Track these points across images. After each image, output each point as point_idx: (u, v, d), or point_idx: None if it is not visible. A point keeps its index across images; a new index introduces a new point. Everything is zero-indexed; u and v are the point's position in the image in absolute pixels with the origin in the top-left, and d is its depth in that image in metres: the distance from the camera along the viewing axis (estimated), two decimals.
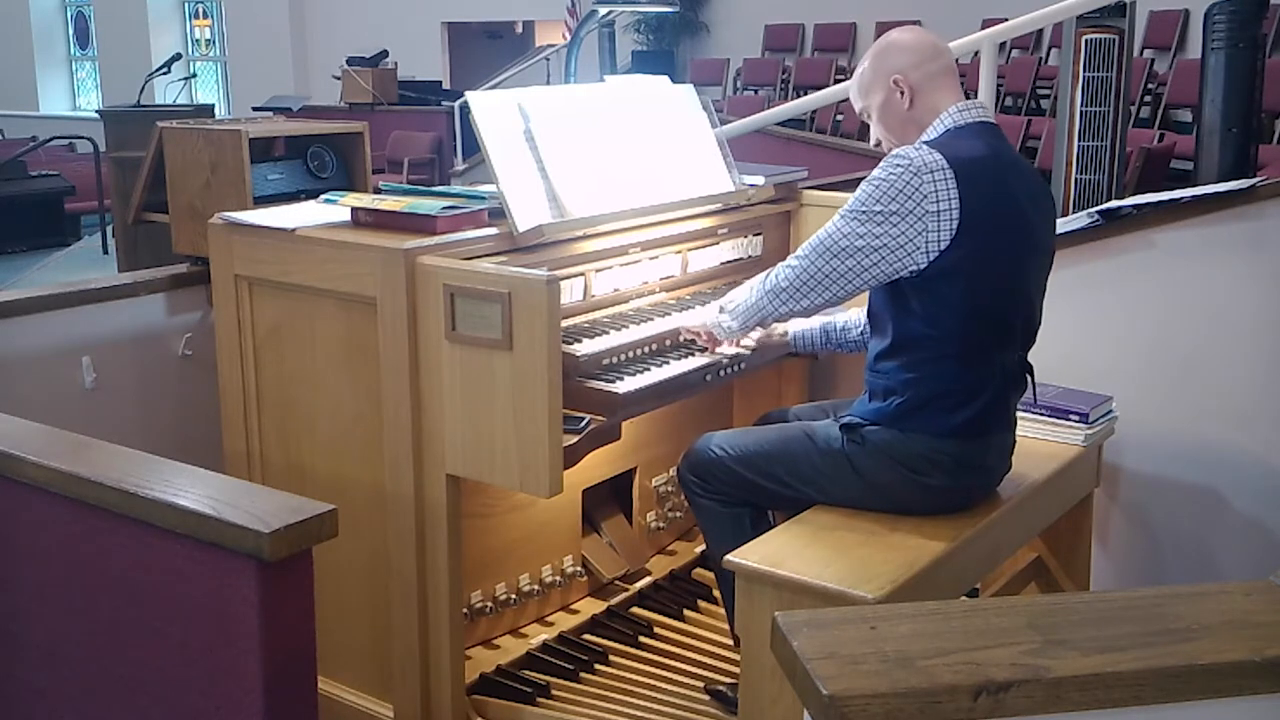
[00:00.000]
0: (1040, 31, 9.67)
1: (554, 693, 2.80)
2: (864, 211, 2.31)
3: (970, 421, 2.36)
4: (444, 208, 2.58)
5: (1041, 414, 2.81)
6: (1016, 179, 2.40)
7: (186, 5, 17.54)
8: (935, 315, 2.32)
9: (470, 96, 2.74)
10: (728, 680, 2.83)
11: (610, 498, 3.30)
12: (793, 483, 2.49)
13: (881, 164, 2.33)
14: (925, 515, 2.41)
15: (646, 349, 2.73)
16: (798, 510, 2.49)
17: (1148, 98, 8.55)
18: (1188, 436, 3.26)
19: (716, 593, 3.17)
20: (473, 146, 8.79)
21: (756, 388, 3.49)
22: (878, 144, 2.52)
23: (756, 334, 2.70)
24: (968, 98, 2.46)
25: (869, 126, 2.54)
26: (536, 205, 2.66)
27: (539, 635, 2.99)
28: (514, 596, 2.98)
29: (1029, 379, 2.49)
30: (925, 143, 2.35)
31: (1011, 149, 2.51)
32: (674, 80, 3.28)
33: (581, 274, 2.79)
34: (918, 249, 2.27)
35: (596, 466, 3.06)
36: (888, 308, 2.38)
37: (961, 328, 2.32)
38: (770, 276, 2.47)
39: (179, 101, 11.94)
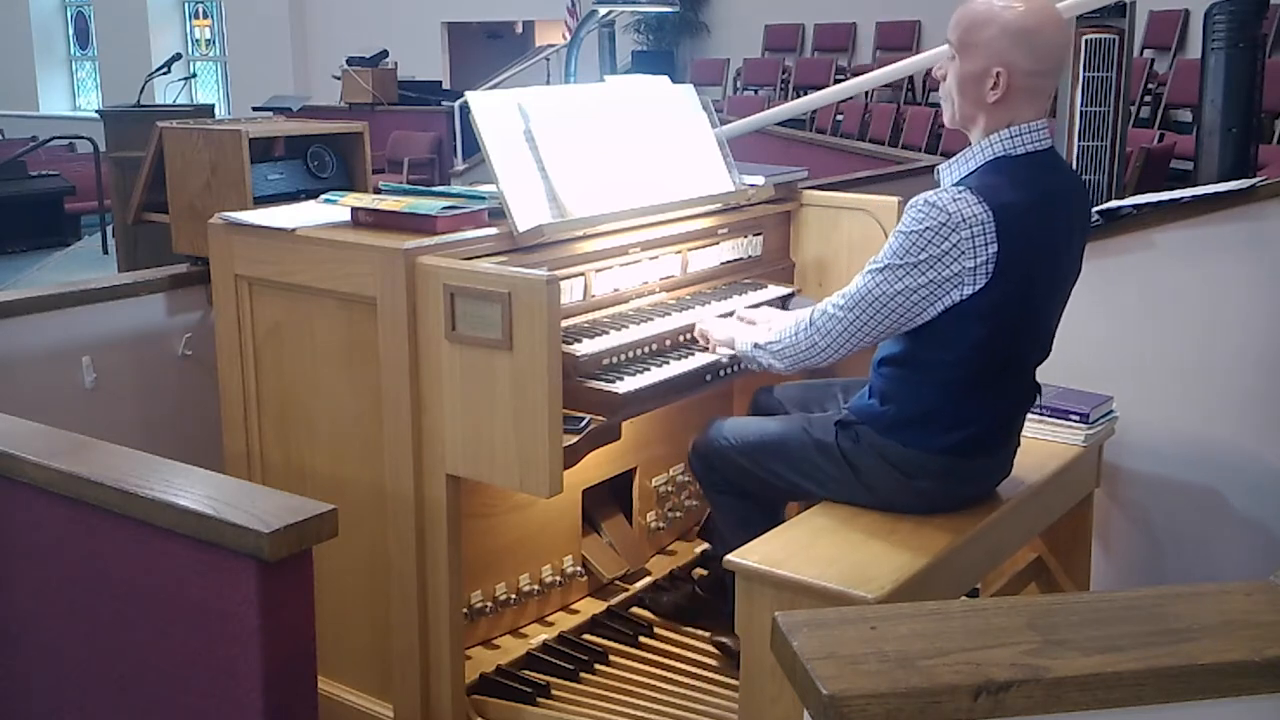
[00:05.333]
0: None
1: (554, 693, 2.80)
2: (901, 265, 2.22)
3: (961, 443, 2.35)
4: (444, 208, 2.58)
5: (1041, 414, 2.81)
6: (1058, 212, 2.30)
7: (186, 5, 17.54)
8: (949, 342, 2.28)
9: (470, 96, 2.74)
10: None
11: (610, 498, 3.30)
12: (789, 475, 2.50)
13: (914, 211, 2.21)
14: (922, 515, 2.41)
15: (646, 349, 2.73)
16: (801, 501, 2.50)
17: (1148, 98, 8.55)
18: (1188, 436, 3.26)
19: None
20: (473, 146, 8.78)
21: (756, 387, 3.49)
22: (941, 78, 2.32)
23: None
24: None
25: (943, 78, 2.33)
26: (536, 205, 2.65)
27: (539, 635, 2.99)
28: (514, 596, 2.98)
29: (1037, 396, 2.48)
30: (966, 185, 2.22)
31: (1057, 173, 2.36)
32: (674, 80, 3.27)
33: (581, 274, 2.78)
34: (949, 296, 2.22)
35: (596, 466, 3.06)
36: None
37: (972, 358, 2.29)
38: (815, 325, 2.37)
39: (179, 101, 11.96)
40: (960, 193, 2.21)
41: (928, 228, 2.19)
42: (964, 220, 2.17)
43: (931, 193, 2.23)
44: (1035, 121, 2.29)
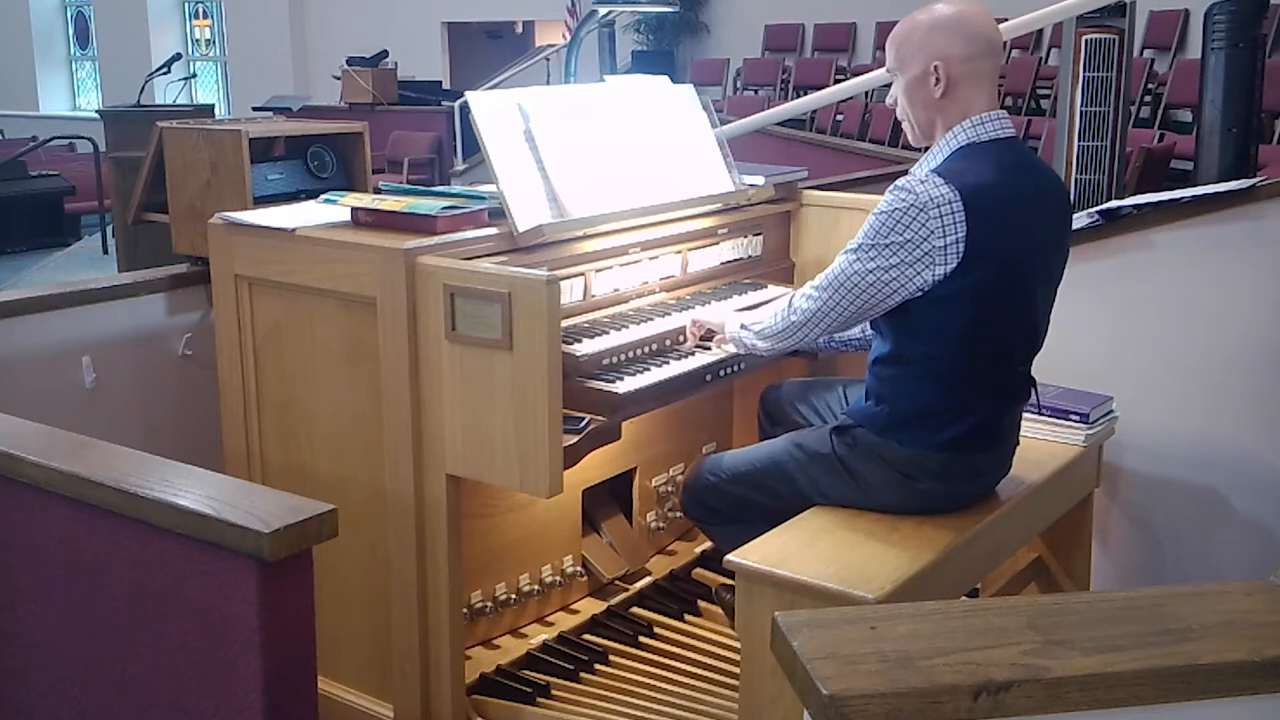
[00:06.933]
0: (1040, 31, 9.67)
1: (554, 693, 2.80)
2: (873, 245, 2.28)
3: (958, 438, 2.36)
4: (444, 208, 2.58)
5: (1042, 414, 2.81)
6: (1031, 200, 2.34)
7: (186, 5, 17.55)
8: (934, 335, 2.31)
9: (470, 96, 2.74)
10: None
11: (610, 498, 3.30)
12: (788, 495, 2.50)
13: (887, 195, 2.29)
14: (922, 515, 2.41)
15: (646, 349, 2.73)
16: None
17: (1148, 98, 8.55)
18: (1188, 436, 3.26)
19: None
20: (473, 146, 8.79)
21: (756, 388, 3.47)
22: (894, 104, 2.42)
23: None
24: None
25: (890, 89, 2.42)
26: (536, 205, 2.66)
27: (539, 635, 2.99)
28: (514, 596, 2.98)
29: (1032, 390, 2.49)
30: (935, 170, 2.30)
31: (1029, 160, 2.44)
32: (674, 80, 3.27)
33: (581, 274, 2.79)
34: (921, 275, 2.26)
35: (596, 466, 3.06)
36: (889, 318, 2.36)
37: (959, 350, 2.31)
38: (794, 307, 2.44)
39: (179, 101, 11.97)
40: (929, 176, 2.29)
41: (896, 209, 2.26)
42: (931, 201, 2.24)
43: (904, 178, 2.31)
44: (991, 111, 2.36)
